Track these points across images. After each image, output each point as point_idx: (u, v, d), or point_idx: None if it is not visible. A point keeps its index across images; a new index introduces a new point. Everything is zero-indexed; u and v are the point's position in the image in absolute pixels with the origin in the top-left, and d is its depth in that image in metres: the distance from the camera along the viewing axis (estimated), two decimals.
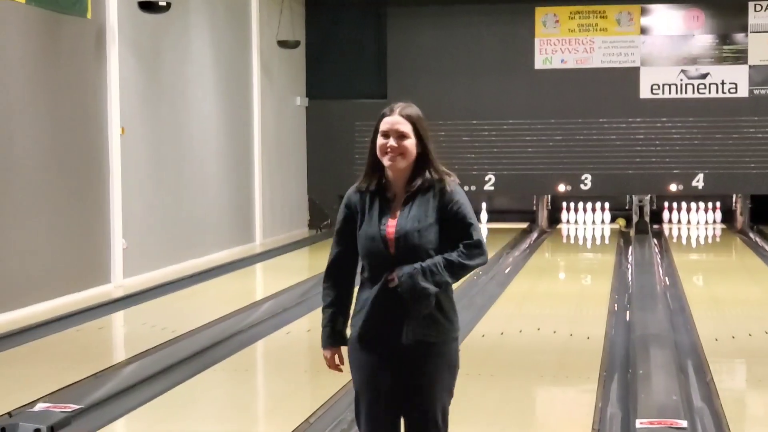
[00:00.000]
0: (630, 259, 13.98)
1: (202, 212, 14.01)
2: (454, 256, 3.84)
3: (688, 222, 18.48)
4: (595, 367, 7.31)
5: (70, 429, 5.81)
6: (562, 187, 18.08)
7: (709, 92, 17.81)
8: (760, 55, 17.72)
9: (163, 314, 10.02)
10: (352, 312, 4.01)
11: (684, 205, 18.52)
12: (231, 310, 9.69)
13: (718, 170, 17.76)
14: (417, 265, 3.80)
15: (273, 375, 7.70)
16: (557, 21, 18.01)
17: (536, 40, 18.04)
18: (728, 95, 17.75)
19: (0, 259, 9.57)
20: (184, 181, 13.45)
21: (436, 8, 18.11)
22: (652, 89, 17.88)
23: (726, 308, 9.88)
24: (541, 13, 18.03)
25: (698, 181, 17.84)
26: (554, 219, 18.71)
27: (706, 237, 17.51)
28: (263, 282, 13.26)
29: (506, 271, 12.90)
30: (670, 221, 18.50)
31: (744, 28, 17.77)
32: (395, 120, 3.92)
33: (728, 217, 18.43)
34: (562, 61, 17.99)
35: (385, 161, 3.90)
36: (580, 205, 18.71)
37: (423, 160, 3.93)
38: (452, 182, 3.94)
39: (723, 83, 17.77)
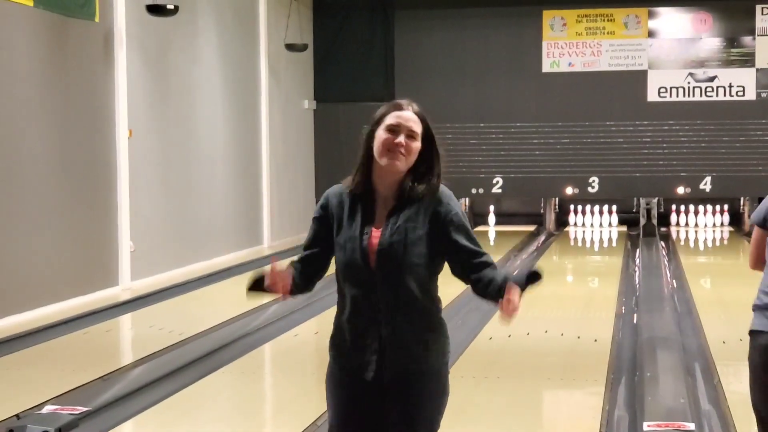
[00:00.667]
0: (637, 261, 13.97)
1: (210, 215, 14.02)
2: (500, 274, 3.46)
3: (696, 225, 18.46)
4: (602, 369, 7.30)
5: (78, 431, 5.82)
6: (569, 190, 18.07)
7: (717, 95, 17.79)
8: None
9: (170, 317, 10.03)
10: (330, 339, 3.56)
11: (691, 207, 18.49)
12: (238, 313, 9.70)
13: (726, 173, 17.74)
14: (504, 276, 3.44)
15: (280, 378, 7.71)
16: (565, 24, 18.00)
17: (544, 44, 18.04)
18: (736, 98, 17.73)
19: (8, 262, 9.58)
20: (191, 183, 13.46)
21: (443, 11, 18.12)
22: (659, 92, 17.87)
23: (733, 311, 9.86)
24: (549, 17, 18.03)
25: (706, 184, 17.81)
26: (561, 222, 18.70)
27: (714, 240, 17.47)
28: None
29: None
30: (677, 224, 18.47)
31: (751, 31, 17.74)
32: (409, 116, 3.45)
33: (736, 219, 18.39)
34: (570, 64, 17.99)
35: (385, 159, 3.40)
36: (588, 207, 18.69)
37: (426, 165, 3.46)
38: (445, 188, 3.51)
39: (730, 86, 17.75)
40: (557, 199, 18.50)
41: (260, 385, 7.49)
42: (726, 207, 18.46)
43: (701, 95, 17.82)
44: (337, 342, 3.50)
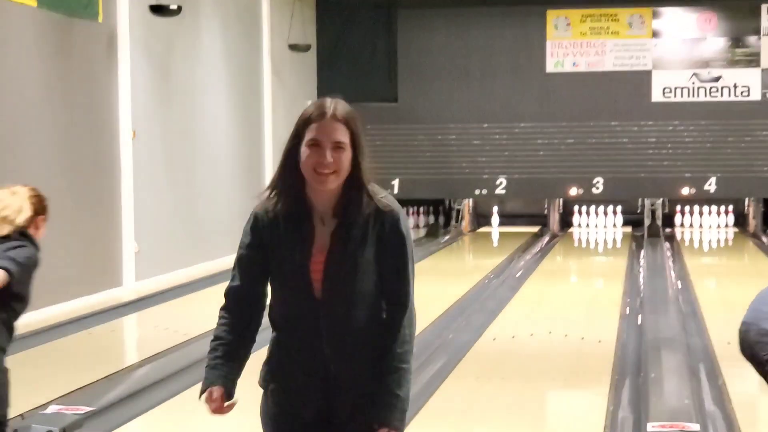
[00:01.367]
0: (642, 262, 13.95)
1: (214, 215, 14.02)
2: (395, 361, 2.97)
3: (701, 225, 18.43)
4: (606, 370, 7.29)
5: (82, 431, 5.82)
6: (573, 191, 18.05)
7: (722, 95, 17.76)
8: None
9: (174, 317, 10.03)
10: (261, 376, 3.18)
11: (696, 208, 18.46)
12: None
13: (731, 174, 17.71)
14: (386, 401, 2.94)
15: None
16: (569, 24, 17.99)
17: (548, 43, 18.03)
18: (741, 98, 17.70)
19: None
20: (195, 183, 13.47)
21: (447, 11, 18.11)
22: (664, 92, 17.85)
23: (738, 312, 9.75)
24: (553, 16, 18.02)
25: (710, 185, 17.78)
26: (566, 223, 18.68)
27: (719, 240, 17.45)
28: None
29: (517, 275, 12.88)
30: (682, 225, 18.45)
31: (757, 31, 17.72)
32: (331, 126, 2.96)
33: (741, 220, 18.36)
34: (574, 64, 17.97)
35: (314, 181, 2.95)
36: (592, 208, 18.67)
37: (355, 174, 2.98)
38: (394, 202, 3.04)
39: (735, 86, 17.72)
40: (561, 199, 18.48)
41: None
42: (731, 208, 18.43)
43: (706, 95, 17.80)
44: (277, 386, 3.10)
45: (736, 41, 17.78)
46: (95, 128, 11.06)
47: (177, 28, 12.74)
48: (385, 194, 3.04)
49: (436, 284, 11.35)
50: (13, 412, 5.69)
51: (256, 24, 15.63)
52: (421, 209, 19.07)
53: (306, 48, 16.88)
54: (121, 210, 11.50)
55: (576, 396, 6.96)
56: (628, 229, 18.19)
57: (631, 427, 5.96)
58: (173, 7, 12.00)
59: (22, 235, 4.45)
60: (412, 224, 18.95)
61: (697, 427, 5.69)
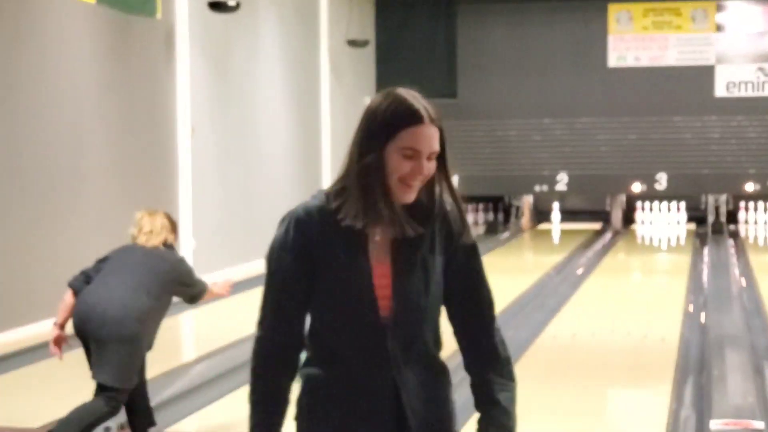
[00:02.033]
0: (705, 259, 13.74)
1: (271, 212, 14.00)
2: (505, 392, 2.57)
3: (765, 222, 18.12)
4: (669, 368, 7.16)
5: None
6: (636, 187, 17.82)
7: None
8: None
9: (231, 313, 10.02)
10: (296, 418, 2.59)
11: (761, 204, 18.15)
12: None
13: None
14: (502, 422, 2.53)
15: None
16: (631, 18, 17.76)
17: (609, 38, 17.81)
18: None
19: (71, 259, 9.62)
20: (252, 180, 13.47)
21: (507, 5, 17.96)
22: (728, 87, 17.56)
23: None
24: (615, 11, 17.80)
25: None
26: (628, 219, 18.46)
27: None
28: None
29: (578, 272, 12.72)
30: (746, 221, 18.15)
31: None
32: (429, 133, 2.51)
33: None
34: (636, 58, 17.74)
35: (400, 191, 2.48)
36: (655, 205, 18.43)
37: (437, 177, 2.58)
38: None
39: None
40: (624, 196, 18.26)
41: None
42: None
43: None
44: (322, 409, 2.55)
45: None
46: (153, 125, 11.09)
47: (235, 25, 12.74)
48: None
49: (495, 282, 11.20)
50: (71, 405, 5.69)
51: (314, 19, 15.60)
52: (480, 206, 18.95)
53: (364, 44, 16.82)
54: (178, 206, 11.52)
55: (638, 393, 6.85)
56: (692, 225, 17.94)
57: (694, 424, 5.85)
58: (231, 3, 12.00)
59: (166, 246, 5.47)
60: (471, 221, 18.85)
61: (761, 424, 5.59)
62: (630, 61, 17.78)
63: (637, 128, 17.72)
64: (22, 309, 8.89)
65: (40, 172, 9.18)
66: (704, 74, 17.62)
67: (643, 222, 18.45)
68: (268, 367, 2.51)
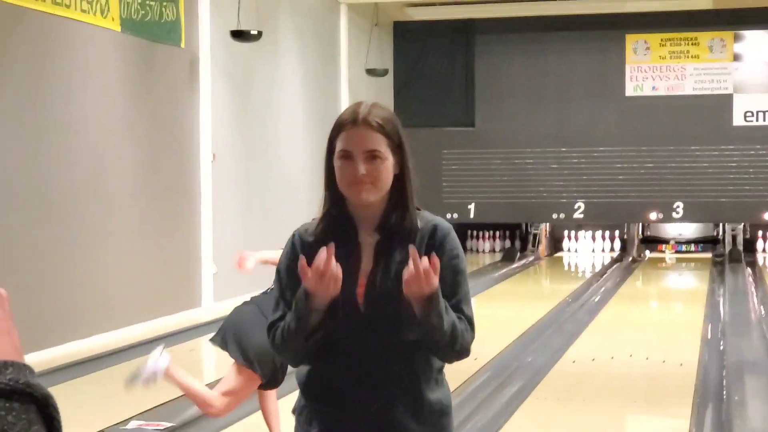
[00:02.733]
0: (723, 287, 13.74)
1: None
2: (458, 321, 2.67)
3: None
4: (688, 393, 7.18)
5: None
6: (653, 216, 17.85)
7: None
8: None
9: None
10: (300, 404, 2.84)
11: None
12: None
13: None
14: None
15: None
16: (648, 48, 17.84)
17: (627, 67, 17.89)
18: None
19: (94, 283, 9.73)
20: (273, 206, 13.57)
21: (524, 35, 18.06)
22: (745, 116, 17.60)
23: None
24: (632, 41, 17.89)
25: None
26: (646, 247, 18.50)
27: None
28: None
29: (596, 299, 12.75)
30: (764, 250, 18.14)
31: None
32: (362, 134, 2.64)
33: None
34: (654, 88, 17.81)
35: (350, 196, 2.66)
36: (670, 231, 18.44)
37: (400, 186, 2.72)
38: (443, 222, 2.77)
39: None
40: (641, 224, 18.30)
41: None
42: None
43: None
44: (320, 407, 2.77)
45: None
46: (176, 151, 11.21)
47: (257, 54, 12.88)
48: (433, 216, 2.78)
49: (513, 307, 11.29)
50: (94, 427, 5.78)
51: (335, 49, 15.74)
52: (498, 233, 19.00)
53: (383, 73, 16.95)
54: (200, 232, 11.63)
55: (657, 419, 6.87)
56: (709, 254, 17.94)
57: None
58: (254, 32, 12.14)
59: None
60: (488, 248, 18.89)
61: None
62: (647, 91, 17.85)
63: (654, 157, 17.76)
64: (49, 330, 8.98)
65: (67, 196, 9.31)
66: (722, 103, 17.66)
67: (660, 250, 18.48)
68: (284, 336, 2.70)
